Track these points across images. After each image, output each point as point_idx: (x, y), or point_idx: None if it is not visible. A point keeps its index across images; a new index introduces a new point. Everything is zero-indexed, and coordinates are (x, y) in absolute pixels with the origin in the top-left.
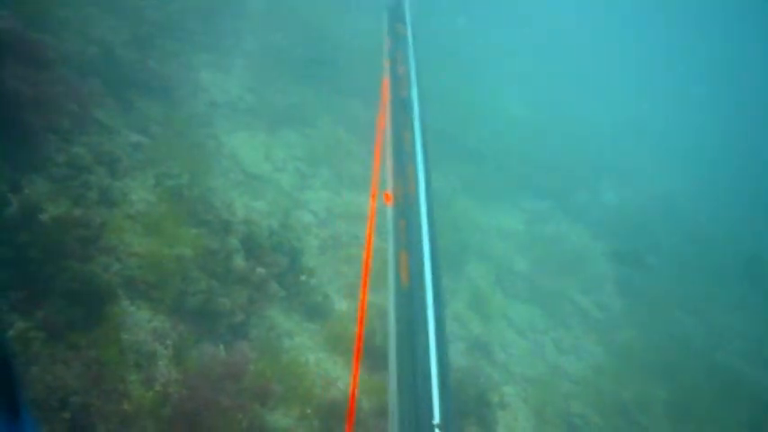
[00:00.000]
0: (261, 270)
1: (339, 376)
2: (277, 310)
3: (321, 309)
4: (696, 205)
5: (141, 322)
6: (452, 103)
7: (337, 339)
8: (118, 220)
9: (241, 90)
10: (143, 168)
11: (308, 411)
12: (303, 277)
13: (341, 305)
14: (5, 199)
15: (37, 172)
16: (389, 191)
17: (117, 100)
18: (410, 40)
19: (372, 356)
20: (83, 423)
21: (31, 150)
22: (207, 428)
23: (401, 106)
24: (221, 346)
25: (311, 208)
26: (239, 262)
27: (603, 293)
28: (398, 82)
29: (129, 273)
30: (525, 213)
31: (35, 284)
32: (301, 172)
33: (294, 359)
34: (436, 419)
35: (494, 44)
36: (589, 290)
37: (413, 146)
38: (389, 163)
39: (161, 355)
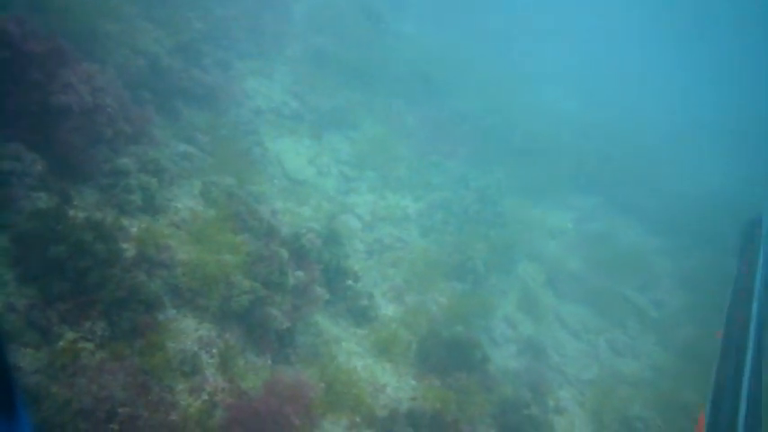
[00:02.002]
0: (305, 275)
1: (387, 382)
2: (323, 316)
3: (368, 313)
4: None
5: (188, 330)
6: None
7: (385, 344)
8: (163, 227)
9: (284, 95)
10: (189, 177)
11: (358, 420)
12: (349, 281)
13: (387, 309)
14: (60, 209)
15: (85, 183)
16: None
17: (164, 110)
18: None
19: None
20: None
21: (81, 162)
22: None
23: None
24: (268, 355)
25: (356, 212)
26: (284, 268)
27: (660, 290)
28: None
29: (174, 281)
30: (575, 211)
31: (82, 294)
32: (345, 175)
33: (342, 366)
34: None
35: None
36: (645, 287)
37: None
38: None
39: (207, 364)
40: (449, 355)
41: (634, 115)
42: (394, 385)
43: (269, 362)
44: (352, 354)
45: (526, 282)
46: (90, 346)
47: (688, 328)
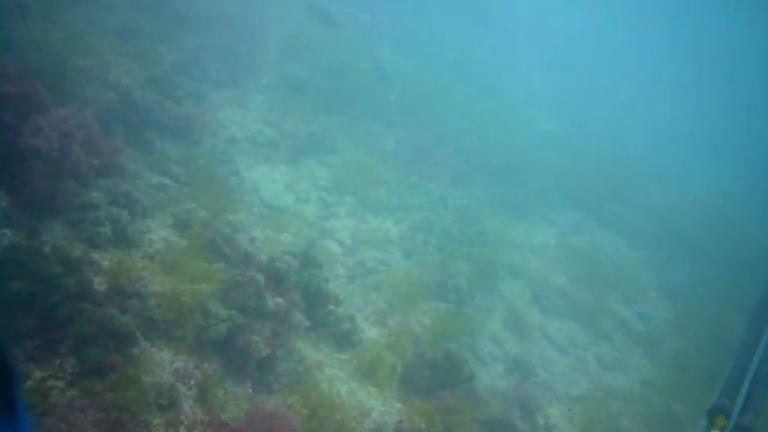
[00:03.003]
0: (284, 301)
1: (372, 406)
2: (305, 342)
3: (351, 338)
4: (742, 207)
5: (163, 362)
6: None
7: (369, 368)
8: (136, 260)
9: (260, 123)
10: (163, 208)
11: None
12: (331, 306)
13: (370, 333)
14: (27, 244)
15: (54, 218)
16: None
17: (137, 143)
18: None
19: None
20: None
21: (48, 198)
22: None
23: None
24: (248, 383)
25: (337, 237)
26: (261, 293)
27: (646, 303)
28: None
29: (148, 313)
30: (557, 227)
31: (51, 331)
32: (324, 200)
33: (325, 391)
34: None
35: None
36: (630, 300)
37: None
38: None
39: (185, 396)
40: (434, 375)
41: (616, 129)
42: (379, 409)
43: (250, 391)
44: (336, 379)
45: (511, 300)
46: (60, 383)
47: (675, 340)
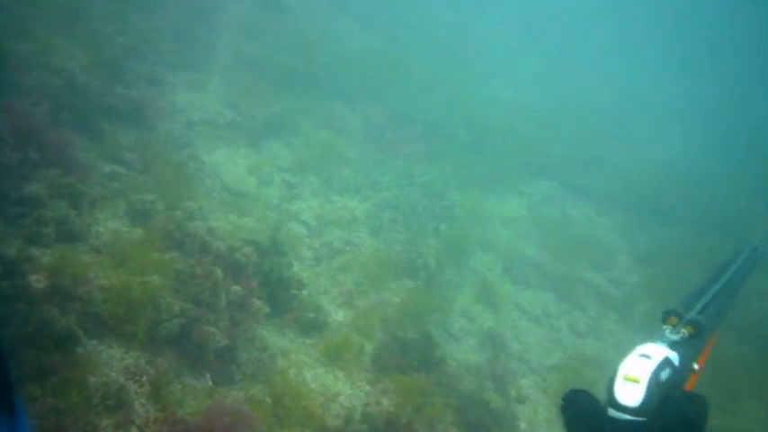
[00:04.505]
0: (241, 288)
1: (340, 391)
2: (269, 329)
3: (317, 321)
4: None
5: (112, 361)
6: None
7: (336, 351)
8: (81, 254)
9: (219, 105)
10: (114, 198)
11: None
12: (294, 291)
13: (337, 315)
14: None
15: None
16: None
17: (87, 131)
18: None
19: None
20: None
21: None
22: None
23: None
24: (208, 376)
25: (302, 218)
26: (218, 283)
27: (617, 268)
28: None
29: (94, 309)
30: (527, 197)
31: None
32: (288, 182)
33: (290, 379)
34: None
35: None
36: (602, 267)
37: None
38: None
39: (137, 394)
40: (404, 354)
41: (585, 97)
42: (347, 393)
43: (210, 383)
44: (302, 365)
45: (482, 273)
46: None
47: (647, 303)
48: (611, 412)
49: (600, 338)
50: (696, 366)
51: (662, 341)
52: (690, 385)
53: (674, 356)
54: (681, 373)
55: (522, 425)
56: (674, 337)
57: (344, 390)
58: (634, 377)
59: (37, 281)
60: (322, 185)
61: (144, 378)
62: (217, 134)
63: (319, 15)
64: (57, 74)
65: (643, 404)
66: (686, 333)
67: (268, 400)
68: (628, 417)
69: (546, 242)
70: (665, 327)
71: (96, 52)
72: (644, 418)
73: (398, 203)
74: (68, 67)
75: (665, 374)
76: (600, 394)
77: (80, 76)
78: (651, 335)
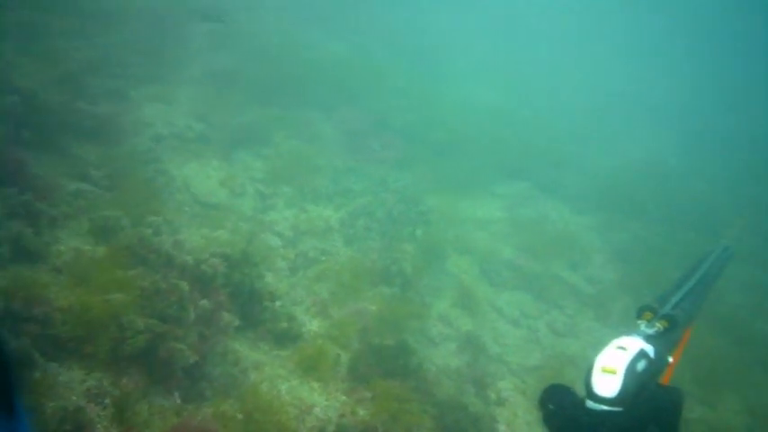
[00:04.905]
0: (209, 302)
1: (315, 402)
2: (241, 342)
3: (290, 333)
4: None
5: (72, 383)
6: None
7: (311, 362)
8: (39, 274)
9: (188, 118)
10: (77, 216)
11: None
12: (266, 303)
13: (311, 325)
14: None
15: None
16: None
17: (49, 149)
18: None
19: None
20: None
21: None
22: None
23: None
24: (176, 393)
25: (276, 229)
26: (184, 297)
27: (593, 266)
28: None
29: (52, 331)
30: (501, 199)
31: None
32: (261, 193)
33: (263, 392)
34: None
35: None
36: (578, 265)
37: None
38: None
39: (99, 417)
40: (381, 363)
41: (555, 98)
42: (323, 404)
43: (178, 401)
44: (276, 378)
45: (459, 276)
46: None
47: (624, 300)
48: (589, 404)
49: (578, 337)
50: (671, 359)
51: (638, 335)
52: (666, 378)
53: (650, 349)
54: (656, 365)
55: (501, 427)
56: (650, 331)
57: (320, 401)
58: (611, 368)
59: None
60: (296, 195)
61: (107, 400)
62: (186, 147)
63: (287, 25)
64: (16, 92)
65: (620, 395)
66: (661, 327)
67: (239, 415)
68: (605, 407)
69: (522, 243)
70: (639, 321)
71: (57, 69)
72: (621, 408)
73: (373, 210)
74: (28, 85)
75: (640, 366)
76: (580, 391)
77: (41, 94)
78: (627, 330)
